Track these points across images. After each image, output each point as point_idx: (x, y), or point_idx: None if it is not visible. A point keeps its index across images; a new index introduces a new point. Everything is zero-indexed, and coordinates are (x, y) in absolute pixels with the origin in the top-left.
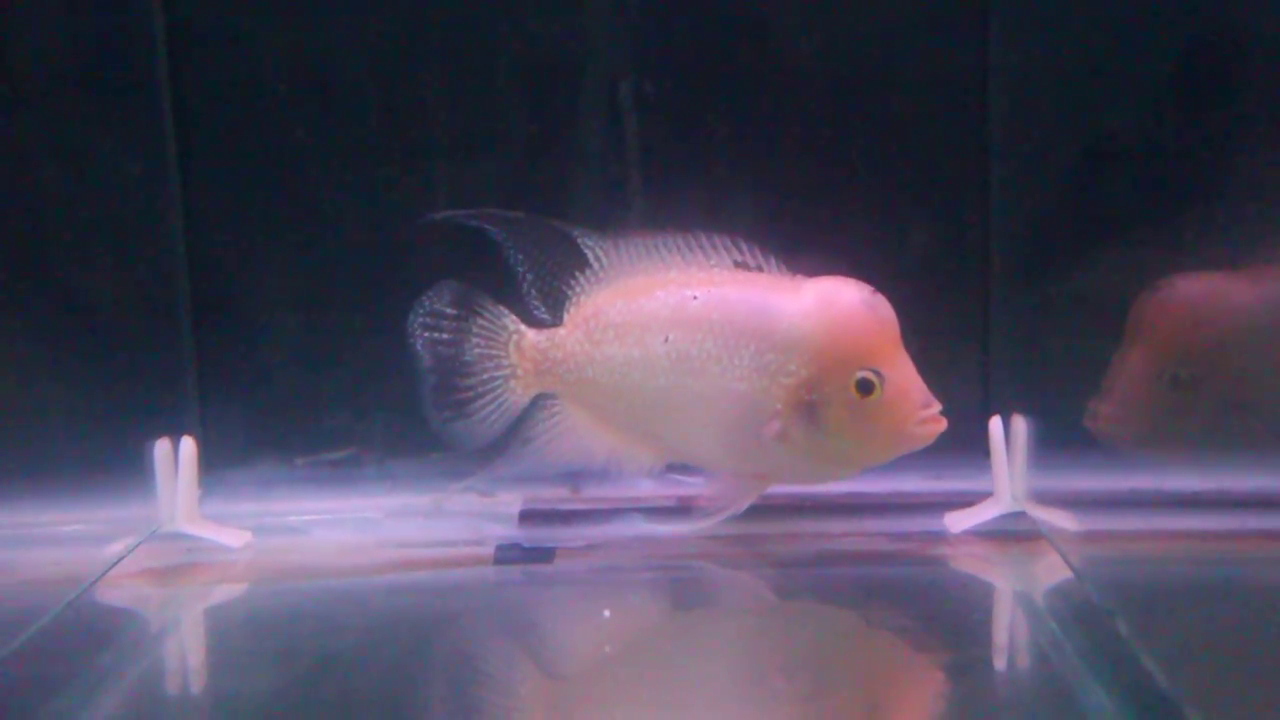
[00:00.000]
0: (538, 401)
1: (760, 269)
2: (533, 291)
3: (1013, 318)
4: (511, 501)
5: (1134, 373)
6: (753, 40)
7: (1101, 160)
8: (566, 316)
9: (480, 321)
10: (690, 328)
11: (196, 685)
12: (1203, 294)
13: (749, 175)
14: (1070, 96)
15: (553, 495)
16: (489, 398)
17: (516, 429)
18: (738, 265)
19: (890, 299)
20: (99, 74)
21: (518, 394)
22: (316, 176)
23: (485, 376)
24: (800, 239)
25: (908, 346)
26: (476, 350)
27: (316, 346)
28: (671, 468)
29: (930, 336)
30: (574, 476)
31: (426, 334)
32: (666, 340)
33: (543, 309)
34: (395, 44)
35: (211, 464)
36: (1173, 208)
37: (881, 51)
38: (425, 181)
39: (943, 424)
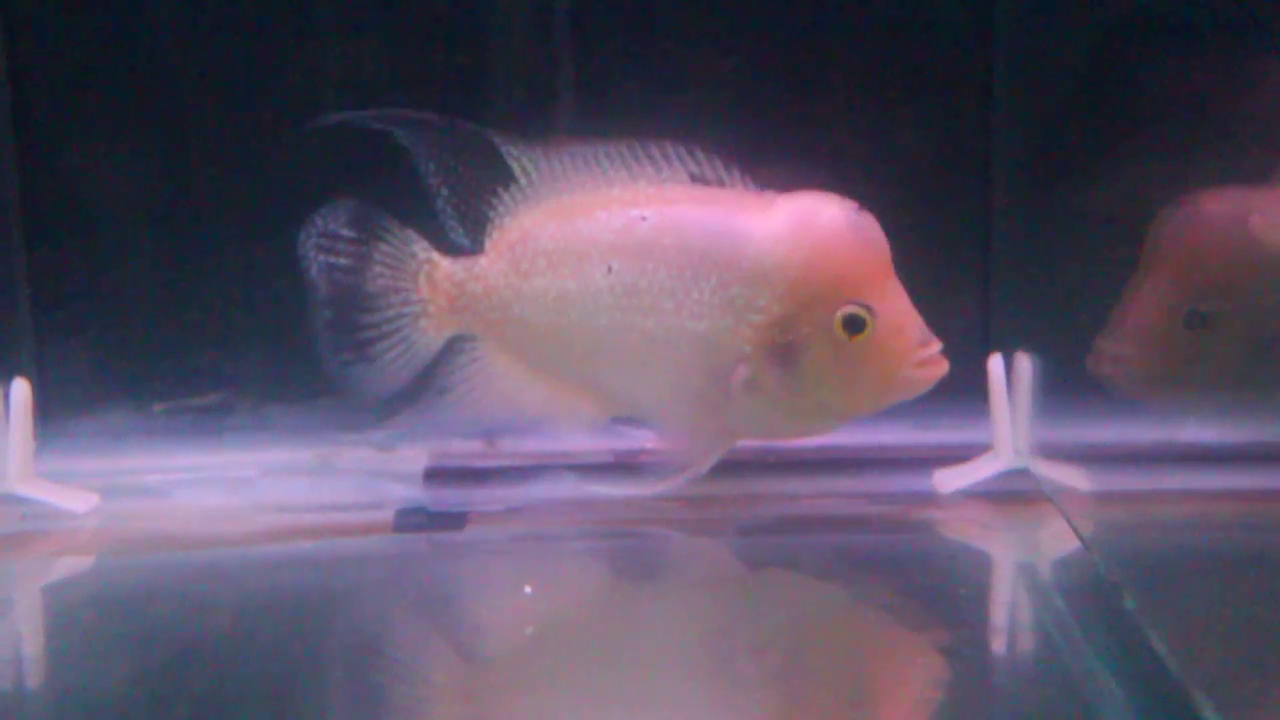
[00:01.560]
0: (454, 344)
1: (721, 183)
2: (447, 209)
3: (1017, 238)
4: (415, 457)
5: (1147, 306)
6: None
7: (1120, 51)
8: (488, 242)
9: (384, 248)
10: (638, 255)
11: (36, 678)
12: (1229, 215)
13: (705, 63)
14: None
15: (464, 449)
16: (395, 338)
17: (428, 375)
18: (694, 179)
19: (875, 217)
20: None
21: (429, 334)
22: (177, 53)
23: (391, 314)
24: (768, 144)
25: (899, 274)
26: (380, 281)
27: (177, 269)
28: (616, 422)
29: (920, 260)
30: (494, 430)
31: (322, 257)
32: (610, 270)
33: (460, 232)
34: None
35: (50, 412)
36: (1202, 108)
37: None
38: (314, 65)
39: (944, 366)
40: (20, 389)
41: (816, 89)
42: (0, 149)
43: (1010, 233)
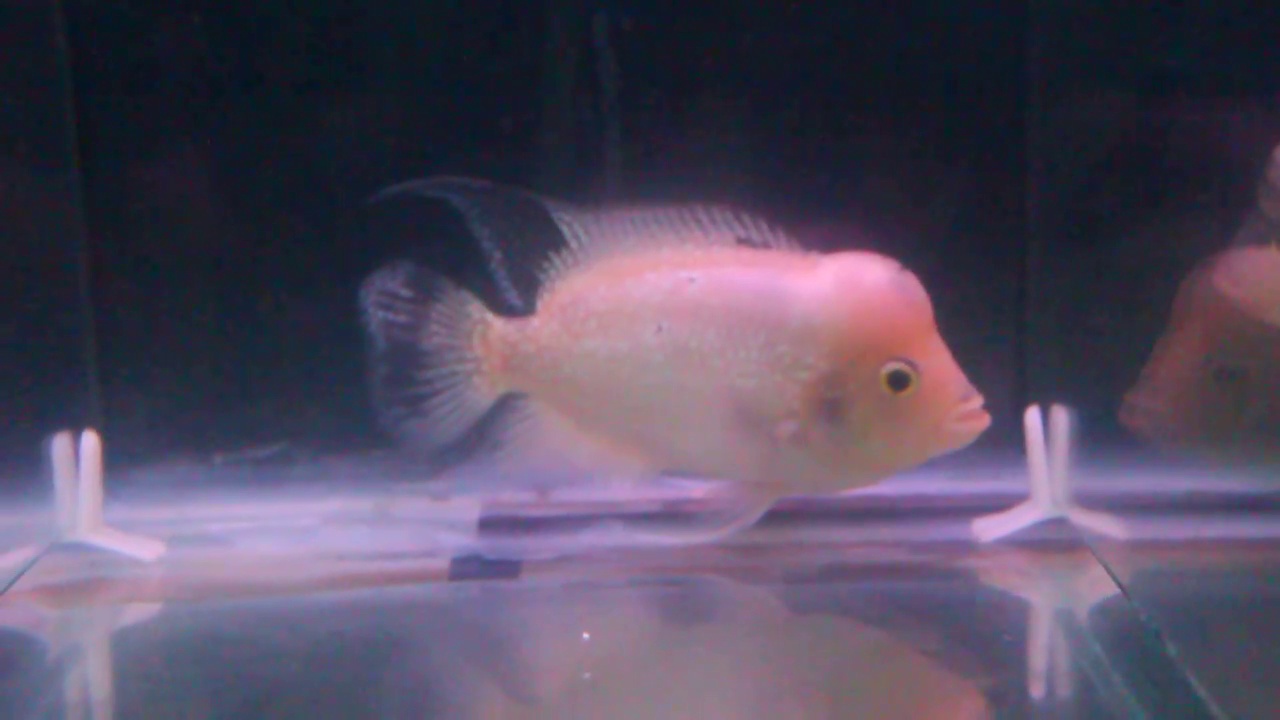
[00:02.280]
0: (507, 402)
1: (767, 245)
2: (501, 273)
3: (1053, 294)
4: (469, 507)
5: (1176, 361)
6: None
7: (1156, 111)
8: (540, 304)
9: (440, 308)
10: (687, 316)
11: None
12: (1256, 272)
13: (746, 130)
14: (1121, 35)
15: (517, 499)
16: (448, 394)
17: (482, 431)
18: (741, 242)
19: (914, 273)
20: None
21: (482, 392)
22: (241, 120)
23: (445, 370)
24: (807, 205)
25: (939, 330)
26: (436, 340)
27: (238, 325)
28: (666, 474)
29: (958, 316)
30: (545, 484)
31: (381, 314)
32: (659, 330)
33: (513, 294)
34: None
35: (117, 462)
36: (1237, 167)
37: None
38: (373, 132)
39: (985, 420)
40: (89, 441)
41: (857, 151)
42: (70, 211)
43: (1045, 289)
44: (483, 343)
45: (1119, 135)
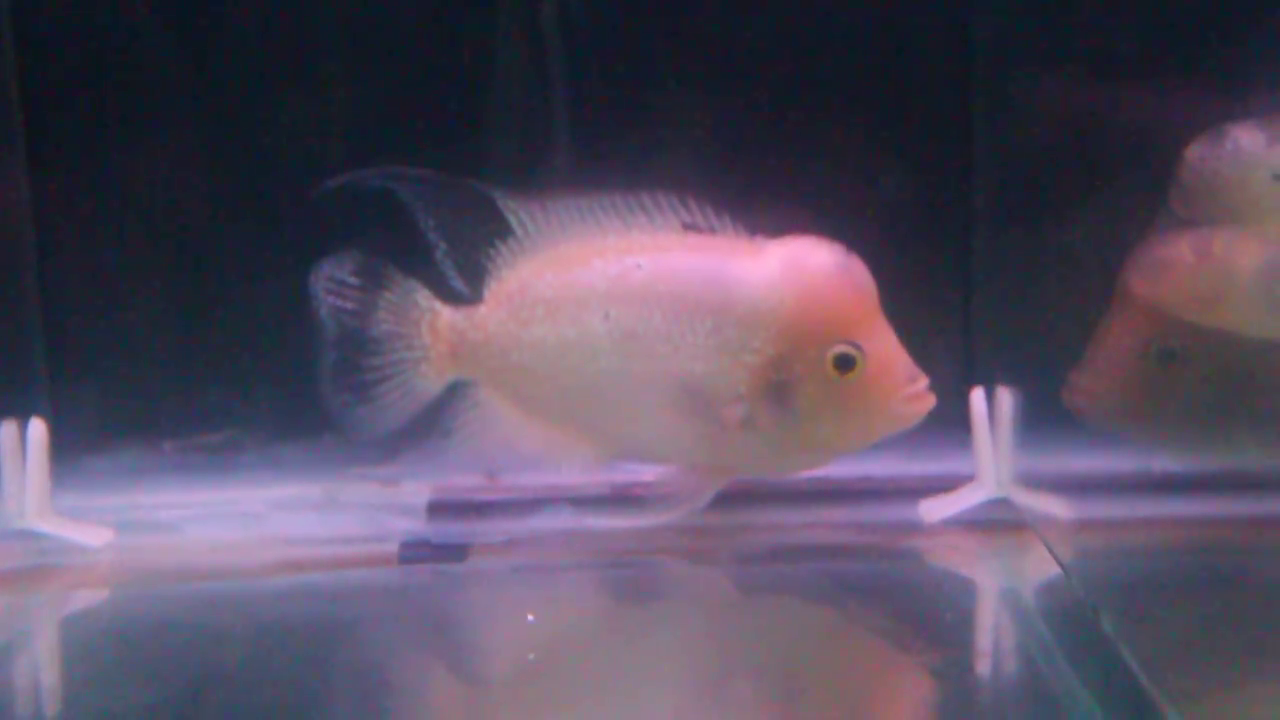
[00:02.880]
0: (456, 389)
1: (713, 231)
2: (447, 262)
3: (997, 277)
4: (418, 491)
5: (1117, 343)
6: None
7: (1099, 97)
8: (487, 292)
9: (388, 295)
10: (635, 302)
11: (55, 706)
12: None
13: (693, 113)
14: (1064, 22)
15: (466, 484)
16: (395, 381)
17: (431, 418)
18: (687, 227)
19: (861, 257)
20: None
21: (429, 379)
22: (188, 109)
23: (393, 358)
24: (754, 189)
25: (885, 313)
26: (384, 327)
27: (186, 311)
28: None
29: (904, 298)
30: (495, 470)
31: (330, 299)
32: (607, 317)
33: (460, 283)
34: None
35: (65, 450)
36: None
37: None
38: (320, 121)
39: (931, 400)
40: (37, 429)
41: (804, 137)
42: (17, 204)
43: (990, 273)
44: (430, 331)
45: (1063, 121)
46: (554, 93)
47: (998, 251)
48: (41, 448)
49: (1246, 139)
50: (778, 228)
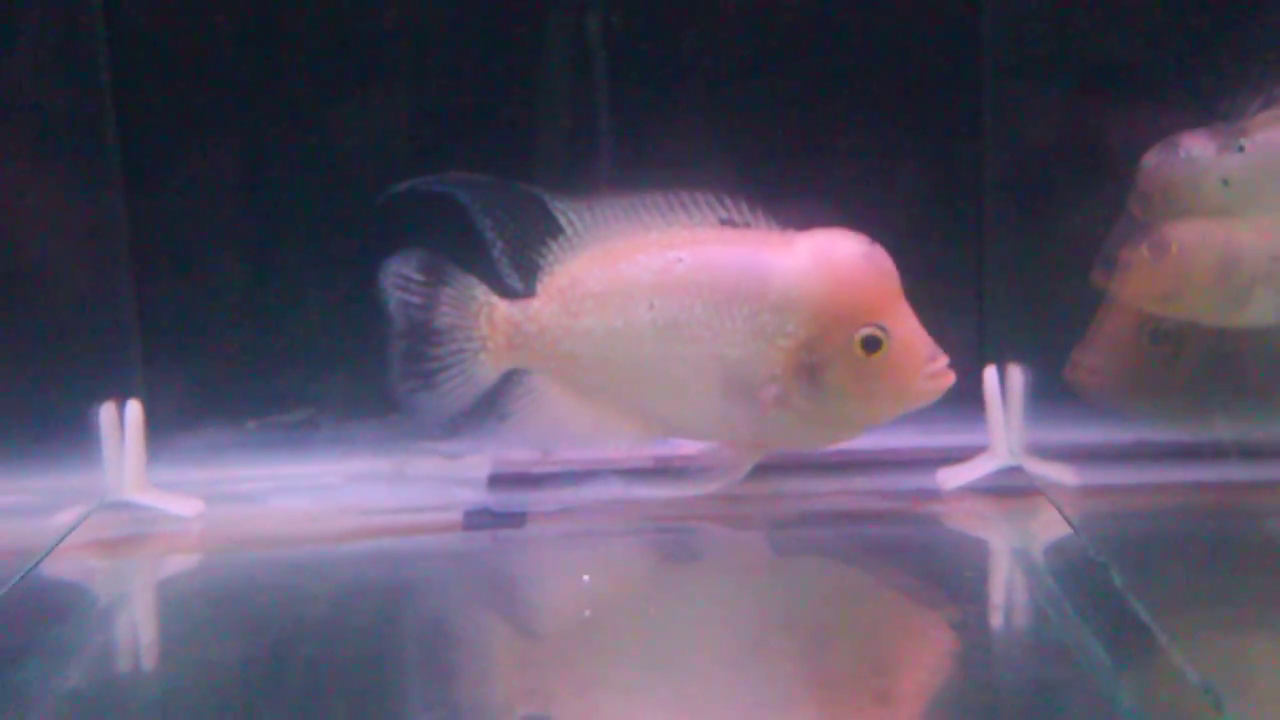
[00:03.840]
0: (511, 377)
1: (748, 225)
2: (503, 260)
3: (1008, 260)
4: (479, 464)
5: (1116, 324)
6: None
7: (1100, 91)
8: (540, 286)
9: (449, 291)
10: (677, 292)
11: (153, 660)
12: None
13: (727, 119)
14: (1068, 23)
15: (523, 458)
16: (456, 369)
17: (490, 403)
18: (724, 223)
19: (879, 244)
20: (31, 14)
21: (487, 368)
22: (265, 117)
23: (454, 348)
24: (783, 183)
25: (906, 297)
26: (446, 319)
27: (266, 302)
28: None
29: (922, 284)
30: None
31: (399, 295)
32: (651, 307)
33: (514, 279)
34: None
35: (159, 429)
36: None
37: None
38: (386, 127)
39: (951, 377)
40: (134, 409)
41: (829, 136)
42: (113, 203)
43: (1002, 257)
44: (488, 323)
45: (1069, 116)
46: (598, 99)
47: (1008, 241)
48: (138, 427)
49: (1198, 147)
50: (806, 222)
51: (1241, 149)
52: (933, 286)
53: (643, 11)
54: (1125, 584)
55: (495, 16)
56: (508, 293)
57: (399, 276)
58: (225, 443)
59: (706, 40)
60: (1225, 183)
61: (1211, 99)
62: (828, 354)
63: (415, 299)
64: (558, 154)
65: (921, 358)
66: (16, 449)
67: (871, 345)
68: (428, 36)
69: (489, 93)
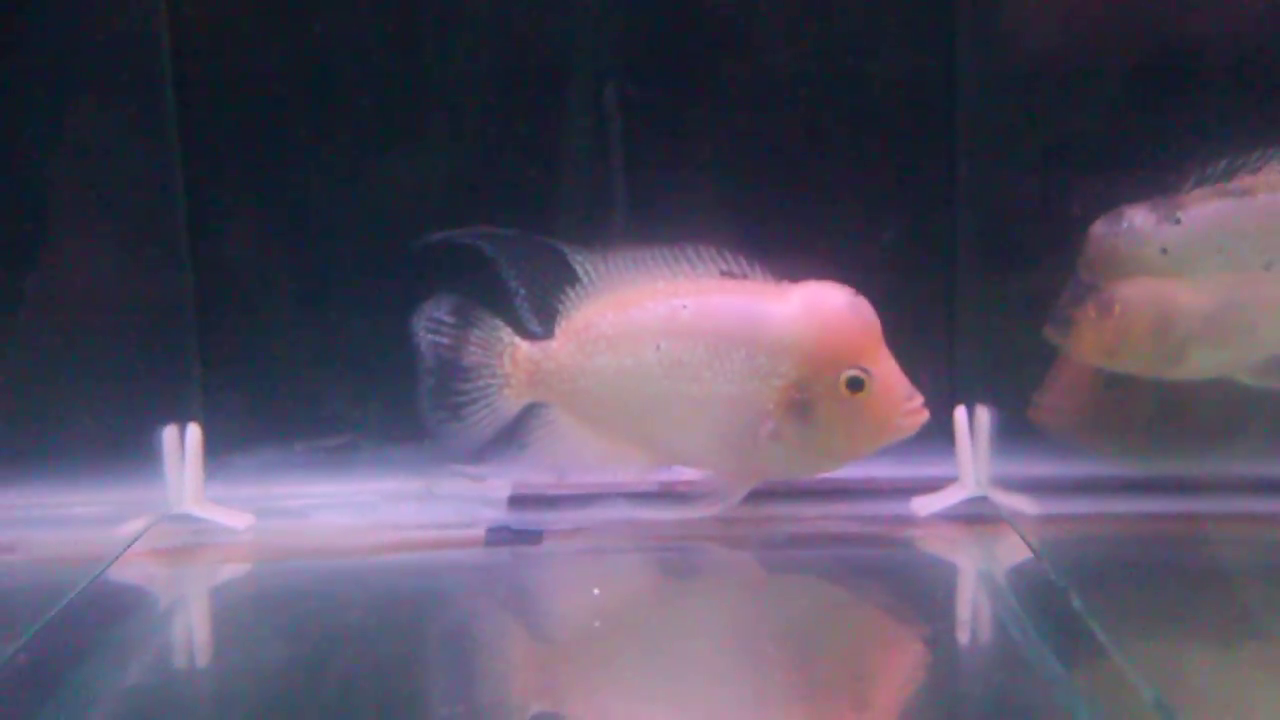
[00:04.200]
0: (530, 410)
1: (746, 277)
2: (525, 306)
3: (977, 312)
4: (501, 486)
5: (1073, 369)
6: (732, 45)
7: (1065, 160)
8: (558, 329)
9: (477, 332)
10: (681, 336)
11: (207, 660)
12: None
13: (728, 176)
14: (1035, 98)
15: (540, 481)
16: (482, 404)
17: (510, 433)
18: (724, 274)
19: (861, 293)
20: (103, 64)
21: (510, 402)
22: (316, 172)
23: (480, 384)
24: (776, 236)
25: (886, 343)
26: (473, 358)
27: (315, 337)
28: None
29: (898, 329)
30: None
31: (430, 336)
32: (658, 349)
33: (535, 322)
34: (389, 45)
35: (216, 449)
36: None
37: (854, 59)
38: (420, 176)
39: (925, 414)
40: (193, 432)
41: (817, 197)
42: (177, 246)
43: (971, 308)
44: (511, 361)
45: (1035, 183)
46: (616, 161)
47: (977, 293)
48: (196, 447)
49: (1140, 219)
50: (798, 273)
51: (1178, 221)
52: (908, 334)
53: (658, 82)
54: (1083, 606)
55: (521, 86)
56: (528, 335)
57: (431, 320)
58: (274, 463)
59: (711, 110)
60: (1164, 250)
61: (1159, 172)
62: (817, 393)
63: (445, 340)
64: (578, 211)
65: (900, 397)
66: (89, 466)
67: (856, 385)
68: (462, 103)
69: (516, 155)
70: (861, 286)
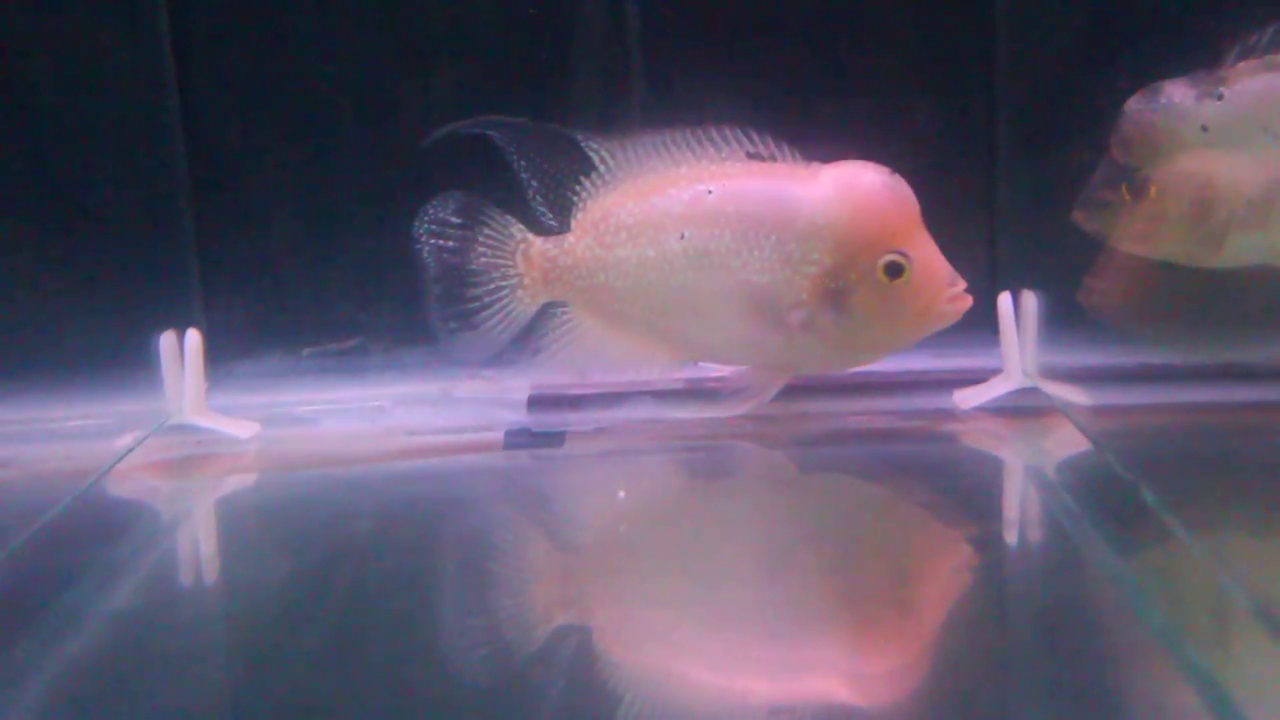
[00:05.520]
0: (546, 310)
1: (773, 158)
2: (538, 199)
3: (1019, 192)
4: (519, 388)
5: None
6: None
7: (1110, 25)
8: (574, 222)
9: (486, 231)
10: (707, 223)
11: (212, 575)
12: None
13: (750, 56)
14: None
15: (560, 380)
16: (496, 307)
17: (525, 336)
18: (750, 156)
19: (898, 174)
20: None
21: (525, 303)
22: (315, 67)
23: (492, 286)
24: (805, 119)
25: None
26: (483, 259)
27: (320, 237)
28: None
29: (937, 212)
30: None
31: (433, 241)
32: (683, 237)
33: (550, 216)
34: None
35: (218, 356)
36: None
37: None
38: (425, 69)
39: (969, 300)
40: (193, 338)
41: (851, 75)
42: (172, 139)
43: (1014, 188)
44: (525, 259)
45: (1075, 56)
46: (632, 41)
47: (1018, 172)
48: (197, 353)
49: (1179, 94)
50: (829, 156)
51: (1220, 97)
52: (947, 217)
53: None
54: (1156, 500)
55: None
56: (542, 230)
57: (435, 221)
58: (280, 369)
59: None
60: (1204, 128)
61: (1201, 43)
62: (852, 280)
63: (450, 243)
64: (595, 95)
65: (942, 282)
66: (83, 376)
67: (894, 271)
68: None
69: (531, 41)
70: (895, 167)
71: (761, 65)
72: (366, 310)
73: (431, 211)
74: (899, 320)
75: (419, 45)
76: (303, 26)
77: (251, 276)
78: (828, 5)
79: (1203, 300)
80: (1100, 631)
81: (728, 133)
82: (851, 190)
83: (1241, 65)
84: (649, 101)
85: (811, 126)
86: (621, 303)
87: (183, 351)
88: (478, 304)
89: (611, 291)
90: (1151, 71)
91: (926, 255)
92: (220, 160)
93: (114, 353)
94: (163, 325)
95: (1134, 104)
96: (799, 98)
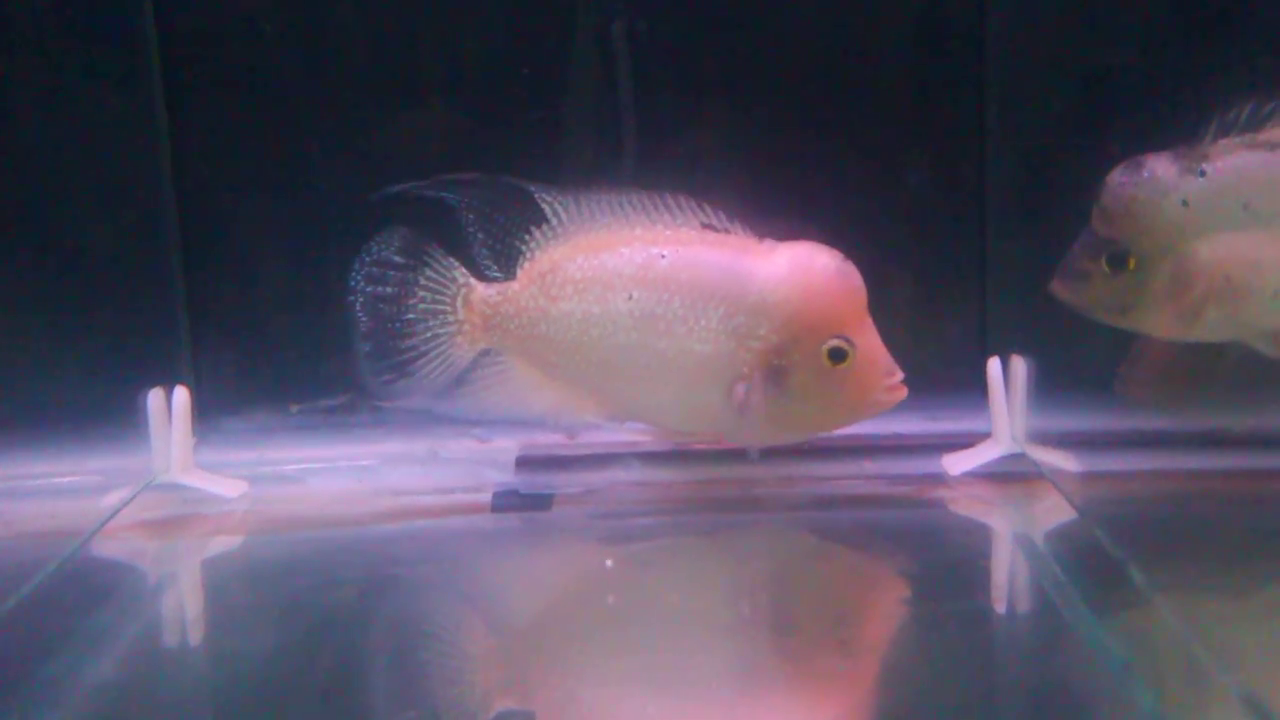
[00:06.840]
0: (484, 353)
1: (726, 231)
2: (484, 249)
3: (1010, 259)
4: (508, 447)
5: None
6: None
7: (1099, 97)
8: (520, 271)
9: (428, 273)
10: (657, 286)
11: (197, 642)
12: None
13: (742, 115)
14: (1068, 32)
15: (550, 441)
16: (431, 355)
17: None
18: (704, 226)
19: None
20: (85, 19)
21: (463, 349)
22: (305, 120)
23: (429, 335)
24: (796, 179)
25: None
26: (421, 307)
27: (308, 292)
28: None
29: (927, 278)
30: (568, 424)
31: (369, 288)
32: (630, 298)
33: (493, 266)
34: None
35: (205, 413)
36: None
37: None
38: (417, 123)
39: (904, 391)
40: (181, 395)
41: (840, 142)
42: (162, 194)
43: (1003, 254)
44: (465, 306)
45: (1066, 124)
46: (623, 98)
47: (1009, 240)
48: (185, 411)
49: (1161, 168)
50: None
51: (1203, 173)
52: (939, 282)
53: (666, 17)
54: (1145, 579)
55: (528, 21)
56: (487, 278)
57: (375, 264)
58: (268, 426)
59: (723, 48)
60: (1185, 203)
61: (1189, 115)
62: (795, 359)
63: (388, 289)
64: (584, 150)
65: (881, 371)
66: (71, 432)
67: (838, 356)
68: (467, 42)
69: (522, 93)
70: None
71: (754, 134)
72: (355, 366)
73: (374, 251)
74: (835, 404)
75: (410, 99)
76: (294, 81)
77: (240, 332)
78: (822, 72)
79: (1246, 379)
80: (1086, 713)
81: (684, 200)
82: (805, 271)
83: (1223, 142)
84: (640, 162)
85: (803, 193)
86: (560, 355)
87: (170, 408)
88: (413, 354)
89: (550, 344)
90: (1141, 142)
91: (869, 343)
92: (210, 216)
93: (102, 408)
94: (151, 380)
95: (1116, 176)
96: (792, 164)
